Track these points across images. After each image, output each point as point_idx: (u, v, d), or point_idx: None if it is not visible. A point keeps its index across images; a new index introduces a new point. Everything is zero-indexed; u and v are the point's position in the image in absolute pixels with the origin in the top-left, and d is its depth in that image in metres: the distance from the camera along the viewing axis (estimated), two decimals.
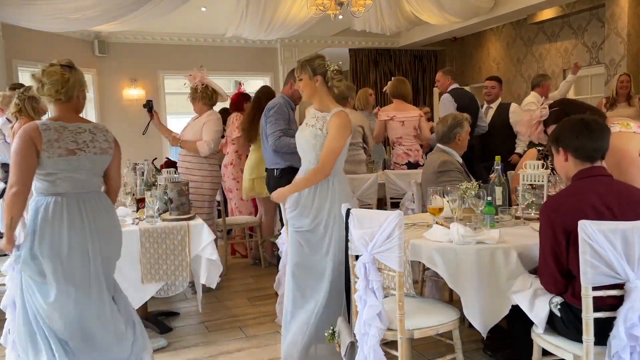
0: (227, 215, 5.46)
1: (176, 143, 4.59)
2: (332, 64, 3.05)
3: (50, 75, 2.54)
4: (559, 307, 2.17)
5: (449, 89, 5.53)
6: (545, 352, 2.31)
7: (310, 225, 3.00)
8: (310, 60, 3.05)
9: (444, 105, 5.36)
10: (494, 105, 5.85)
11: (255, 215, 5.68)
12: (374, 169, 5.52)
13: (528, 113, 5.83)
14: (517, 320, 2.50)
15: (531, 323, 2.31)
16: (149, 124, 4.58)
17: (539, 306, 2.23)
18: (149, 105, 4.56)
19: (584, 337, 2.03)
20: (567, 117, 2.42)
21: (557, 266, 2.18)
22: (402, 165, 5.22)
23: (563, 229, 2.14)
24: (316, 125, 2.98)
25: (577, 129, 2.28)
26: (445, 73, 5.69)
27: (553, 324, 2.22)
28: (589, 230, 1.98)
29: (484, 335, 2.52)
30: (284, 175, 4.03)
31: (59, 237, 2.50)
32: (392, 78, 5.53)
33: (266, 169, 4.35)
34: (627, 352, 1.98)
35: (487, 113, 5.82)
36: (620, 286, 2.03)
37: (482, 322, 2.48)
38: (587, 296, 2.01)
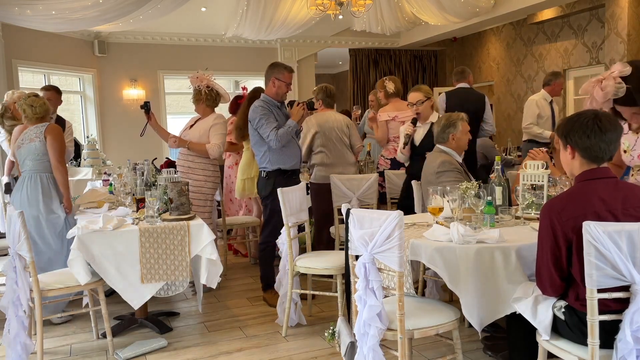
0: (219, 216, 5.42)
1: (183, 144, 4.54)
2: None
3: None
4: (563, 310, 2.13)
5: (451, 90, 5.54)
6: (549, 355, 2.28)
7: None
8: None
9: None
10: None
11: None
12: (374, 169, 5.52)
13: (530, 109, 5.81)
14: (515, 322, 2.50)
15: (529, 325, 2.28)
16: (146, 125, 4.57)
17: (541, 313, 2.19)
18: (146, 107, 4.53)
19: (589, 340, 2.00)
20: (579, 112, 2.28)
21: (556, 270, 2.13)
22: (387, 159, 5.22)
23: (564, 236, 2.08)
24: None
25: (590, 127, 2.15)
26: (453, 74, 5.66)
27: (557, 328, 2.19)
28: (594, 232, 1.93)
29: (479, 331, 2.52)
30: (270, 177, 4.11)
31: None
32: (387, 77, 5.49)
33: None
34: (634, 355, 1.94)
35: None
36: (625, 288, 1.99)
37: (478, 319, 2.48)
38: (592, 299, 1.97)
